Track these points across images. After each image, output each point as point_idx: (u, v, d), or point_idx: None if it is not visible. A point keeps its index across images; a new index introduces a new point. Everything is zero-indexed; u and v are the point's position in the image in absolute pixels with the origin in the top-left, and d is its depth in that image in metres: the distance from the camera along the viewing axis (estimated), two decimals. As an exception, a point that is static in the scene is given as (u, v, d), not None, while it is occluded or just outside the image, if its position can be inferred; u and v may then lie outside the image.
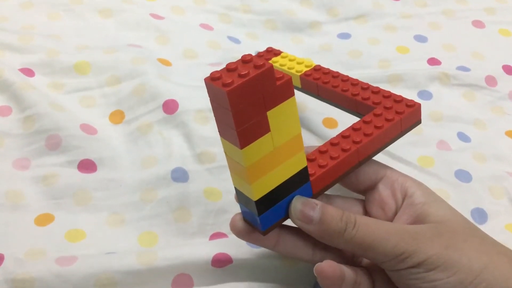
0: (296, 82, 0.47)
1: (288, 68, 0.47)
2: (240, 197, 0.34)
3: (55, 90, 0.51)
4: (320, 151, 0.36)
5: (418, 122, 0.40)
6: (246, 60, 0.29)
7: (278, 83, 0.29)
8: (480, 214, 0.45)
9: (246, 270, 0.40)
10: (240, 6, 0.63)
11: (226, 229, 0.43)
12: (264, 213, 0.33)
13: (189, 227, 0.43)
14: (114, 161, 0.47)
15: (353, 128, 0.38)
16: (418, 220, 0.35)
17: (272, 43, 0.60)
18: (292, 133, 0.32)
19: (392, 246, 0.32)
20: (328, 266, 0.34)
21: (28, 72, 0.52)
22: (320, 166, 0.35)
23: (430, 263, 0.32)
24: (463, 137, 0.51)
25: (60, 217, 0.43)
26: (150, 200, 0.44)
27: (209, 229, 0.43)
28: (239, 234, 0.35)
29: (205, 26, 0.59)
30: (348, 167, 0.36)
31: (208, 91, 0.29)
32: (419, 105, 0.39)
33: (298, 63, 0.47)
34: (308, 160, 0.36)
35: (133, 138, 0.48)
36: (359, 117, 0.41)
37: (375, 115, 0.38)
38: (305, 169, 0.34)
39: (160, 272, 0.39)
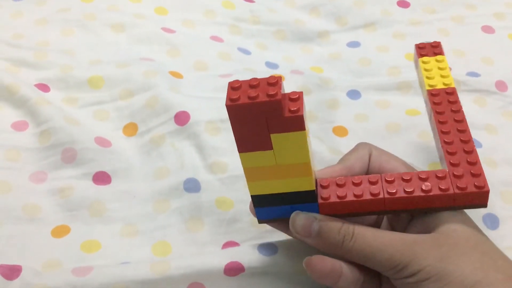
0: (424, 93, 0.44)
1: (427, 76, 0.44)
2: None
3: (70, 104, 0.52)
4: (353, 181, 0.35)
5: (482, 205, 0.35)
6: (270, 82, 0.30)
7: (288, 115, 0.30)
8: (492, 220, 0.45)
9: (258, 278, 0.40)
10: (250, 18, 0.64)
11: (238, 238, 0.44)
12: (259, 207, 0.35)
13: (201, 237, 0.44)
14: (128, 173, 0.48)
15: (403, 177, 0.35)
16: (428, 228, 0.35)
17: (282, 53, 0.61)
18: (298, 160, 0.32)
19: (388, 258, 0.33)
20: (317, 261, 0.35)
21: (43, 87, 0.53)
22: (338, 196, 0.35)
23: (423, 274, 0.32)
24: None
25: (76, 228, 0.44)
26: (163, 211, 0.45)
27: (221, 238, 0.44)
28: (253, 212, 0.37)
29: (215, 38, 0.60)
30: (366, 210, 0.35)
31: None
32: (487, 191, 0.35)
33: (441, 76, 0.43)
34: (336, 183, 0.35)
35: (146, 150, 0.49)
36: (440, 162, 0.39)
37: (436, 176, 0.35)
38: (311, 192, 0.34)
39: (174, 281, 0.39)
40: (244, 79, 0.54)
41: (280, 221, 0.37)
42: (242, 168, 0.32)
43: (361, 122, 0.53)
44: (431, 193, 0.34)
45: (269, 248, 0.42)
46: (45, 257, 0.42)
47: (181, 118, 0.50)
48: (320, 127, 0.52)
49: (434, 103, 0.41)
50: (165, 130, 0.50)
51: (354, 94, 0.55)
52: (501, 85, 0.56)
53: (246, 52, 0.60)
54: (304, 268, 0.40)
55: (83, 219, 0.45)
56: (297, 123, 0.30)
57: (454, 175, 0.35)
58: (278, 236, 0.41)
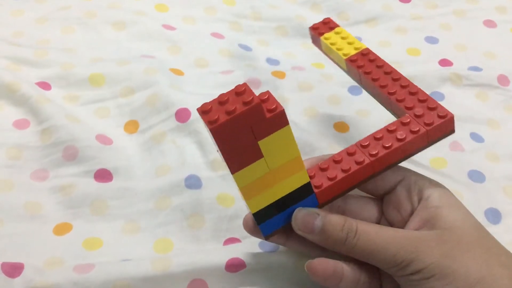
0: (342, 64, 0.45)
1: (337, 48, 0.45)
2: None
3: (71, 102, 0.52)
4: (334, 160, 0.36)
5: (451, 132, 0.38)
6: (238, 91, 0.29)
7: (269, 115, 0.29)
8: (494, 214, 0.45)
9: (259, 274, 0.40)
10: (251, 14, 0.63)
11: (239, 234, 0.44)
12: (263, 223, 0.34)
13: (203, 233, 0.44)
14: (129, 170, 0.48)
15: (374, 136, 0.36)
16: (429, 223, 0.35)
17: (283, 49, 0.61)
18: (289, 157, 0.32)
19: (392, 255, 0.33)
20: (318, 264, 0.35)
21: (44, 85, 0.53)
22: (329, 179, 0.35)
23: (427, 271, 0.32)
24: (476, 137, 0.51)
25: (78, 226, 0.44)
26: (165, 208, 0.45)
27: (223, 235, 0.44)
28: (251, 232, 0.37)
29: (216, 35, 0.60)
30: (359, 180, 0.36)
31: (202, 120, 0.30)
32: (452, 116, 0.37)
33: (349, 44, 0.45)
34: (320, 169, 0.36)
35: (147, 147, 0.49)
36: (394, 116, 0.40)
37: (402, 123, 0.37)
38: (307, 184, 0.34)
39: (175, 278, 0.40)
40: (245, 75, 0.55)
41: (282, 235, 0.37)
42: None
43: (362, 117, 0.53)
44: (407, 140, 0.35)
45: (270, 244, 0.42)
46: (47, 255, 0.42)
47: (182, 115, 0.50)
48: (321, 123, 0.52)
49: (359, 67, 0.43)
50: (166, 127, 0.50)
51: (355, 89, 0.55)
52: (503, 80, 0.56)
53: (247, 48, 0.60)
54: (304, 264, 0.40)
55: (84, 216, 0.45)
56: (280, 120, 0.30)
57: (416, 116, 0.37)
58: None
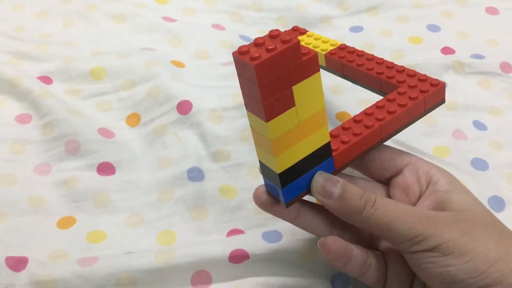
0: (321, 60, 0.46)
1: (314, 46, 0.47)
2: (264, 170, 0.34)
3: (73, 96, 0.52)
4: (344, 127, 0.37)
5: (442, 101, 0.39)
6: (273, 35, 0.29)
7: (304, 58, 0.30)
8: (498, 202, 0.45)
9: (262, 265, 0.40)
10: (251, 5, 0.63)
11: (242, 225, 0.44)
12: (286, 186, 0.34)
13: (206, 225, 0.44)
14: (132, 163, 0.48)
15: (377, 105, 0.38)
16: (439, 207, 0.35)
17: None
18: (316, 108, 0.32)
19: (409, 228, 0.32)
20: (332, 242, 0.34)
21: (46, 79, 0.53)
22: (343, 142, 0.36)
23: (445, 248, 0.32)
24: (479, 125, 0.51)
25: (81, 219, 0.44)
26: (168, 200, 0.45)
27: (226, 226, 0.44)
28: (262, 205, 0.36)
29: (217, 26, 0.60)
30: (370, 144, 0.37)
31: (235, 65, 0.29)
32: (444, 84, 0.39)
33: (324, 42, 0.47)
34: (332, 136, 0.36)
35: (149, 140, 0.49)
36: (383, 96, 0.41)
37: (399, 93, 0.38)
38: (328, 144, 0.34)
39: (179, 269, 0.40)
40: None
41: (293, 211, 0.36)
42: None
43: (364, 107, 0.52)
44: (408, 105, 0.37)
45: (273, 235, 0.42)
46: (51, 248, 0.42)
47: (184, 107, 0.50)
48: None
49: (340, 57, 0.44)
50: (168, 119, 0.50)
51: (357, 79, 0.55)
52: (505, 67, 0.55)
53: (248, 39, 0.60)
54: (307, 254, 0.41)
55: (88, 210, 0.45)
56: (314, 65, 0.30)
57: (410, 86, 0.39)
58: (282, 223, 0.41)
